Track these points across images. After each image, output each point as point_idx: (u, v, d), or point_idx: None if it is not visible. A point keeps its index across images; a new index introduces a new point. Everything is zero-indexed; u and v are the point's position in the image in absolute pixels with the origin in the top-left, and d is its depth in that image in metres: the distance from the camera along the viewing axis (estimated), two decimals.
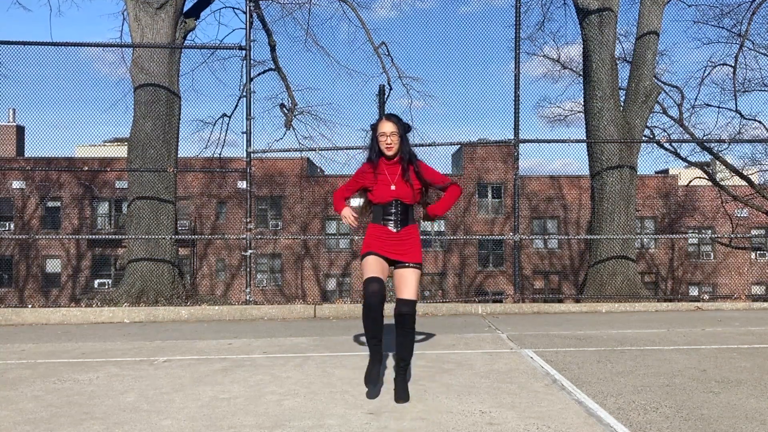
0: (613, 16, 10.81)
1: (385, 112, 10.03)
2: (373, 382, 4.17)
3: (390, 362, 5.36)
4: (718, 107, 20.17)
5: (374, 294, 4.02)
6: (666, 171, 32.45)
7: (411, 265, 4.17)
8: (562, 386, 4.52)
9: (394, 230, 4.20)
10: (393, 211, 4.19)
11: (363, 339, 6.45)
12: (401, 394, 4.13)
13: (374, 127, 4.21)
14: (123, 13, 12.57)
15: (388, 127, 4.15)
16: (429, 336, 6.73)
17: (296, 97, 14.39)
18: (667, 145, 21.91)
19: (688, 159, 22.37)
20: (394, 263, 4.21)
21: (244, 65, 9.60)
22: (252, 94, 9.50)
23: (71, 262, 30.55)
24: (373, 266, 4.12)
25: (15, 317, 8.24)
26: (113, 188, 29.83)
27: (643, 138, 13.30)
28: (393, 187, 4.17)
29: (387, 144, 4.13)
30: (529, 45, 19.09)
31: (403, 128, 4.20)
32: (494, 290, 30.42)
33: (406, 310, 4.08)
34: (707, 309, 9.02)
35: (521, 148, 9.39)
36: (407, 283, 4.13)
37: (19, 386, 4.71)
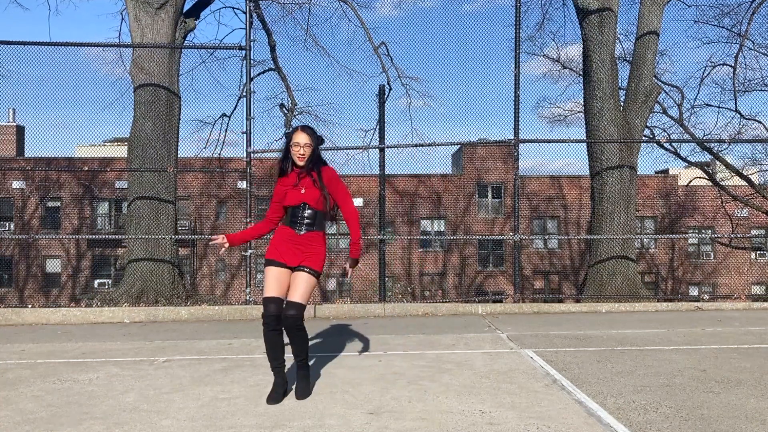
0: (613, 16, 10.81)
1: (384, 113, 10.07)
2: (275, 401, 4.19)
3: (391, 362, 5.37)
4: (718, 107, 20.17)
5: (272, 315, 4.16)
6: (666, 171, 32.44)
7: (307, 269, 4.26)
8: (562, 386, 4.52)
9: (298, 233, 4.30)
10: (300, 214, 4.30)
11: (362, 339, 6.48)
12: (301, 392, 4.27)
13: (289, 137, 4.33)
14: (122, 13, 12.58)
15: (302, 138, 4.26)
16: (429, 336, 6.73)
17: (296, 97, 14.42)
18: (667, 145, 21.91)
19: (688, 159, 22.38)
20: (293, 267, 4.28)
21: (244, 65, 9.61)
22: (252, 94, 9.49)
23: (71, 262, 30.54)
24: (272, 282, 4.22)
25: (15, 317, 8.24)
26: (113, 188, 29.80)
27: (643, 138, 13.31)
28: (303, 191, 4.28)
29: (300, 154, 4.25)
30: (529, 45, 19.09)
31: (317, 140, 4.32)
32: (494, 290, 30.40)
33: (291, 313, 4.17)
34: (707, 309, 9.02)
35: (521, 148, 9.39)
36: (298, 286, 4.22)
37: (19, 386, 4.71)
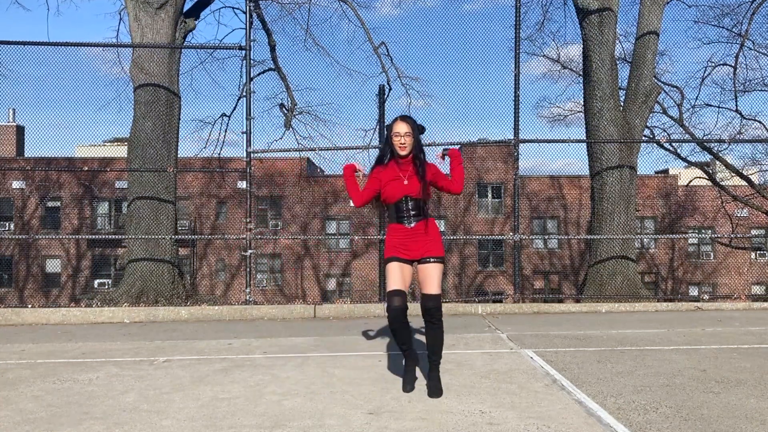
0: (613, 16, 10.80)
1: (384, 113, 10.09)
2: (410, 384, 4.33)
3: (391, 362, 5.37)
4: (718, 107, 20.15)
5: (397, 309, 4.20)
6: (666, 171, 32.43)
7: (433, 259, 4.29)
8: (562, 386, 4.52)
9: (409, 226, 4.30)
10: (405, 207, 4.30)
11: (362, 339, 6.48)
12: (434, 390, 4.27)
13: (389, 127, 4.34)
14: (120, 13, 12.59)
15: (402, 127, 4.26)
16: None
17: (296, 97, 14.40)
18: (667, 145, 21.92)
19: (688, 159, 22.38)
20: (417, 260, 4.32)
21: (243, 65, 9.61)
22: (252, 94, 9.49)
23: (71, 262, 30.54)
24: (396, 276, 4.25)
25: (15, 317, 8.24)
26: (113, 188, 29.81)
27: (643, 138, 13.30)
28: (406, 182, 4.27)
29: (401, 143, 4.24)
30: (529, 45, 19.09)
31: (417, 130, 4.32)
32: (494, 290, 30.40)
33: (431, 305, 4.24)
34: (707, 309, 9.02)
35: (521, 148, 9.39)
36: (430, 277, 4.27)
37: (19, 386, 4.71)
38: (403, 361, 4.43)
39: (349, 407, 4.06)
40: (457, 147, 4.42)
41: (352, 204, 4.46)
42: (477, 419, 3.79)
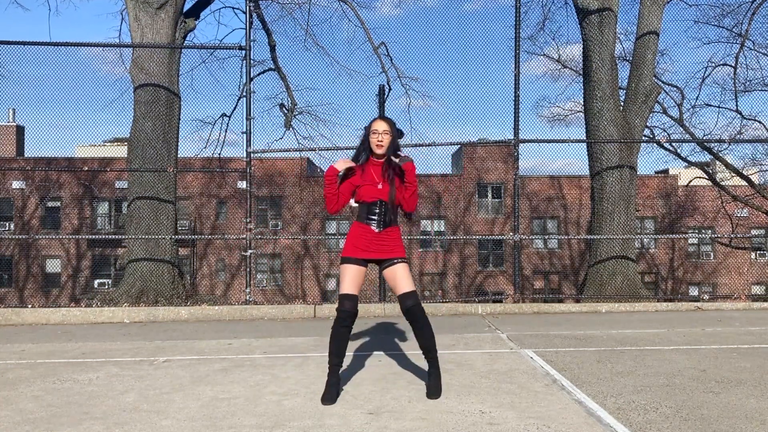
0: (613, 16, 10.81)
1: (384, 113, 10.11)
2: (330, 401, 4.17)
3: (391, 362, 5.37)
4: (719, 107, 20.14)
5: (346, 311, 4.17)
6: (666, 171, 32.44)
7: (398, 260, 4.24)
8: (562, 386, 4.52)
9: (377, 230, 4.24)
10: (377, 211, 4.23)
11: (362, 339, 6.48)
12: (434, 390, 4.23)
13: (368, 127, 4.28)
14: (122, 13, 12.58)
15: (381, 125, 4.21)
16: None
17: (296, 97, 14.40)
18: (667, 145, 21.93)
19: (688, 159, 22.39)
20: (379, 262, 4.27)
21: (243, 65, 9.61)
22: (252, 94, 9.49)
23: (71, 262, 30.54)
24: (350, 279, 4.20)
25: (15, 317, 8.24)
26: (113, 188, 29.81)
27: (643, 138, 13.31)
28: (380, 186, 4.22)
29: (378, 141, 4.18)
30: (529, 45, 19.07)
31: (396, 131, 4.26)
32: (494, 290, 30.41)
33: (411, 303, 4.19)
34: (707, 309, 9.02)
35: (521, 148, 9.39)
36: (402, 277, 4.22)
37: (19, 386, 4.71)
38: (327, 376, 4.26)
39: (349, 407, 4.06)
40: (410, 160, 4.18)
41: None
42: (477, 419, 3.79)
